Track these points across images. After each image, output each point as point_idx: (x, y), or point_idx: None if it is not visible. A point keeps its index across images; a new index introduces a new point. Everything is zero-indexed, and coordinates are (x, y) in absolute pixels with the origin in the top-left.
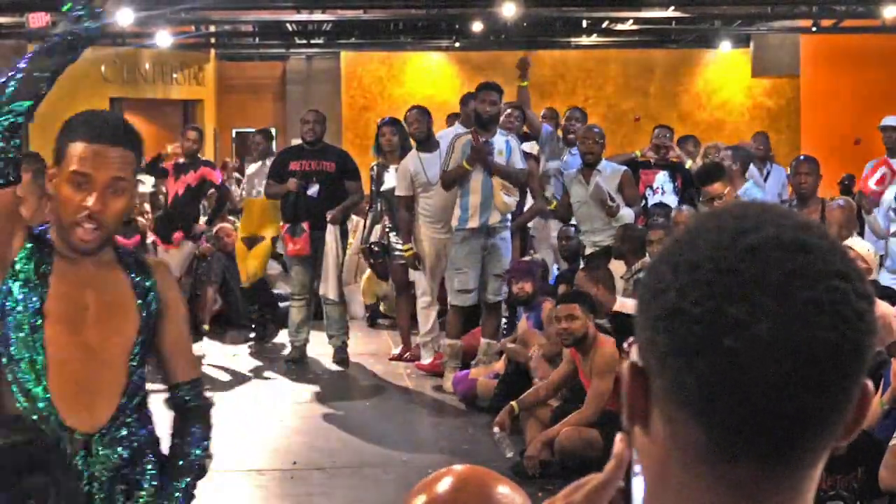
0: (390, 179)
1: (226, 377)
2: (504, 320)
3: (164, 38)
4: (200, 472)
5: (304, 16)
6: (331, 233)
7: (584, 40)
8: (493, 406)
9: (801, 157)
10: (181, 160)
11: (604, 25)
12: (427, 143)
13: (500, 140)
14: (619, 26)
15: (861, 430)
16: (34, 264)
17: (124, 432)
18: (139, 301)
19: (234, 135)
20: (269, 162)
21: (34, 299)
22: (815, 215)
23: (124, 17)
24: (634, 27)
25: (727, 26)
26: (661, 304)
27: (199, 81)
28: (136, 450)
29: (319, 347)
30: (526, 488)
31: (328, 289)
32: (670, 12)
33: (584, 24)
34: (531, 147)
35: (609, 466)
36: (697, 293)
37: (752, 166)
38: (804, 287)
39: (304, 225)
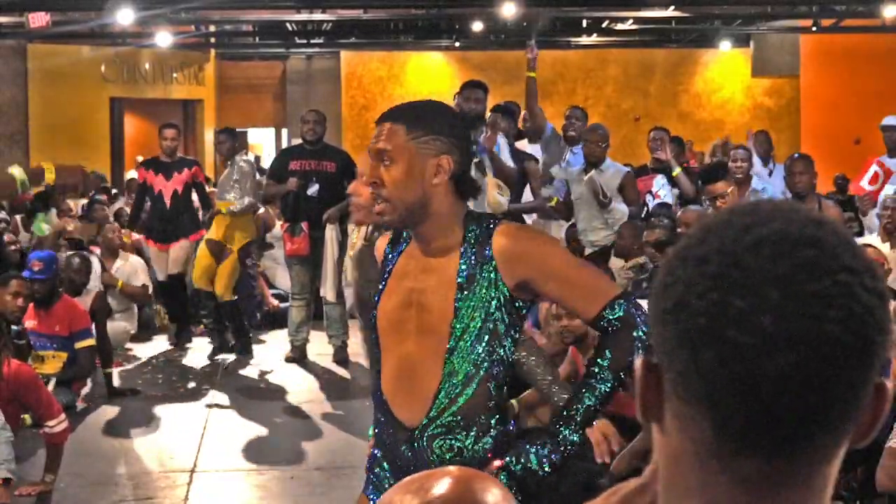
0: None
1: (224, 377)
2: None
3: (164, 38)
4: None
5: (304, 16)
6: (329, 233)
7: (584, 40)
8: None
9: (795, 156)
10: (166, 159)
11: (604, 25)
12: None
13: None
14: (619, 26)
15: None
16: None
17: None
18: None
19: None
20: (239, 162)
21: None
22: None
23: (124, 17)
24: (634, 27)
25: (727, 26)
26: (669, 298)
27: (199, 81)
28: None
29: (319, 347)
30: None
31: (327, 290)
32: (670, 12)
33: (584, 23)
34: (524, 145)
35: (648, 470)
36: (703, 286)
37: (758, 164)
38: (811, 280)
39: (304, 225)
